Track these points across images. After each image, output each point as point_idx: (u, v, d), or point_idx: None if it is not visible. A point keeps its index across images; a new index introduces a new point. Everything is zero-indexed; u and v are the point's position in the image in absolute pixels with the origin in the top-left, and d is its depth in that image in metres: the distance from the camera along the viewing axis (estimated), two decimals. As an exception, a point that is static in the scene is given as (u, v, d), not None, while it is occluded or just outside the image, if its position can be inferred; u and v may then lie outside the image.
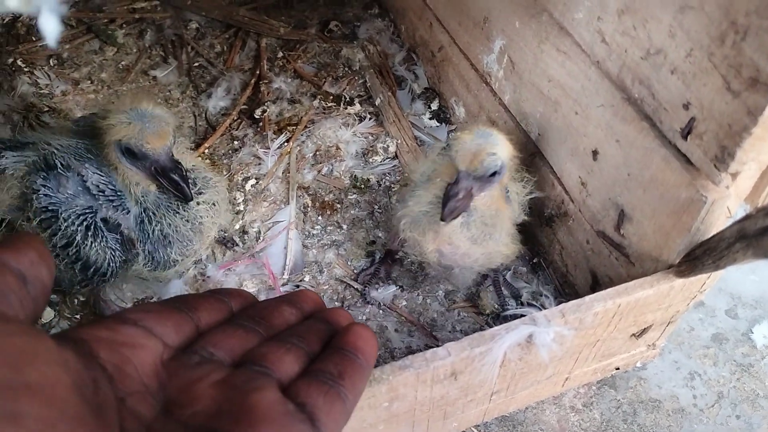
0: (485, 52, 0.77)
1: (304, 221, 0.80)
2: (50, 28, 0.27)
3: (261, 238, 0.78)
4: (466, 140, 0.57)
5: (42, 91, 0.94)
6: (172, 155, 0.61)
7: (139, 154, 0.59)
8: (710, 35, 0.47)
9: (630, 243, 0.61)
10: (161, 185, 0.62)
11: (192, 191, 0.62)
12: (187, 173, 0.63)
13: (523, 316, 0.53)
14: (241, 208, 0.80)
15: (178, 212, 0.64)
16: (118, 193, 0.63)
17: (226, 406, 0.31)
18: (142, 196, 0.63)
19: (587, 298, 0.54)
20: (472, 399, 0.58)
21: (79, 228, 0.61)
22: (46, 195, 0.61)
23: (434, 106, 0.92)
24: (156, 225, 0.63)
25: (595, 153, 0.62)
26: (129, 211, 0.63)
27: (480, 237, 0.62)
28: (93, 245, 0.61)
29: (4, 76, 0.94)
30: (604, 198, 0.63)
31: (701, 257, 0.51)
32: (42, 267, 0.29)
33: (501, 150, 0.57)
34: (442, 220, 0.58)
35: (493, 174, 0.58)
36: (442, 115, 0.91)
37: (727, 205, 0.51)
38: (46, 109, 0.90)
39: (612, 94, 0.58)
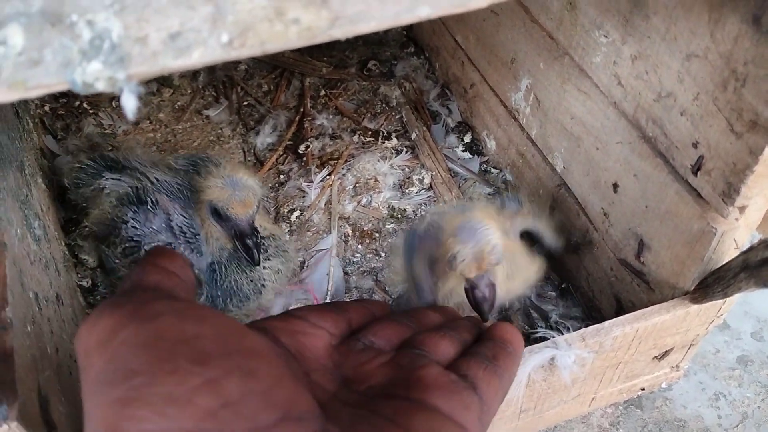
0: (513, 90, 0.82)
1: (345, 249, 0.86)
2: (130, 105, 0.33)
3: (305, 265, 0.84)
4: (462, 250, 0.57)
5: (106, 131, 1.02)
6: (253, 222, 0.68)
7: (224, 216, 0.67)
8: (714, 81, 0.51)
9: (650, 270, 0.65)
10: (236, 246, 0.69)
11: (261, 257, 0.69)
12: (262, 240, 0.70)
13: (548, 338, 0.58)
14: (287, 238, 0.86)
15: (245, 272, 0.72)
16: (197, 237, 0.71)
17: (398, 379, 0.34)
18: (219, 250, 0.71)
19: (606, 323, 0.58)
20: (501, 417, 0.63)
21: None
22: (133, 227, 0.70)
23: (467, 139, 0.97)
24: (224, 277, 0.71)
25: (615, 186, 0.66)
26: (202, 255, 0.70)
27: (511, 272, 0.65)
28: None
29: (71, 118, 1.03)
30: (625, 228, 0.67)
31: (712, 285, 0.55)
32: (188, 270, 0.35)
33: (494, 236, 0.58)
34: (486, 320, 0.59)
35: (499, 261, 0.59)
36: (475, 148, 0.96)
37: (734, 237, 0.55)
38: (110, 148, 0.99)
39: (629, 132, 0.62)
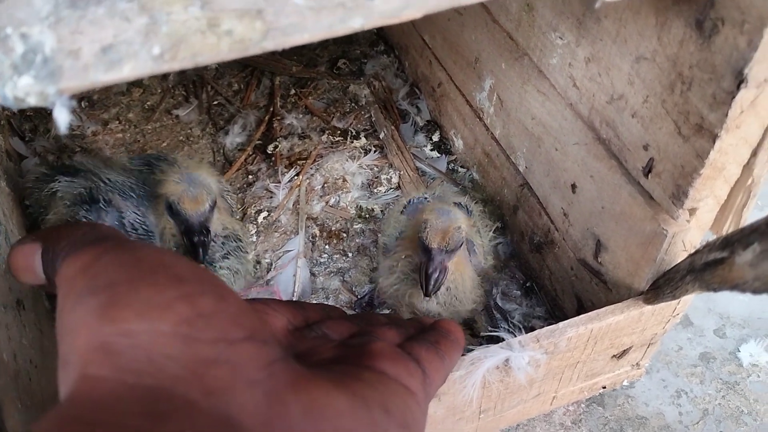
0: (477, 89, 0.82)
1: (312, 250, 0.86)
2: (62, 119, 0.33)
3: (273, 266, 0.84)
4: (433, 221, 0.65)
5: (74, 132, 1.02)
6: (205, 221, 0.67)
7: (176, 211, 0.67)
8: (662, 84, 0.52)
9: (607, 271, 0.65)
10: (183, 242, 0.69)
11: (214, 255, 0.70)
12: (215, 238, 0.70)
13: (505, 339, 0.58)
14: (254, 239, 0.86)
15: None
16: (150, 234, 0.71)
17: (348, 353, 0.36)
18: (175, 247, 0.70)
19: (561, 324, 0.58)
20: (461, 418, 0.63)
21: None
22: None
23: (435, 138, 0.97)
24: None
25: (573, 186, 0.67)
26: None
27: (448, 302, 0.70)
28: None
29: (40, 119, 1.02)
30: (583, 228, 0.67)
31: (662, 287, 0.55)
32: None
33: (462, 223, 0.66)
34: (427, 296, 0.65)
35: (460, 245, 0.66)
36: (443, 147, 0.96)
37: (682, 240, 0.55)
38: (78, 149, 0.98)
39: (585, 134, 0.63)
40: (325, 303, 0.79)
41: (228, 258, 0.73)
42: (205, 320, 0.28)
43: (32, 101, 0.33)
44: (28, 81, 0.32)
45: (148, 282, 0.28)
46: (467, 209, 0.74)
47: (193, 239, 0.67)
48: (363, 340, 0.38)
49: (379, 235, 0.81)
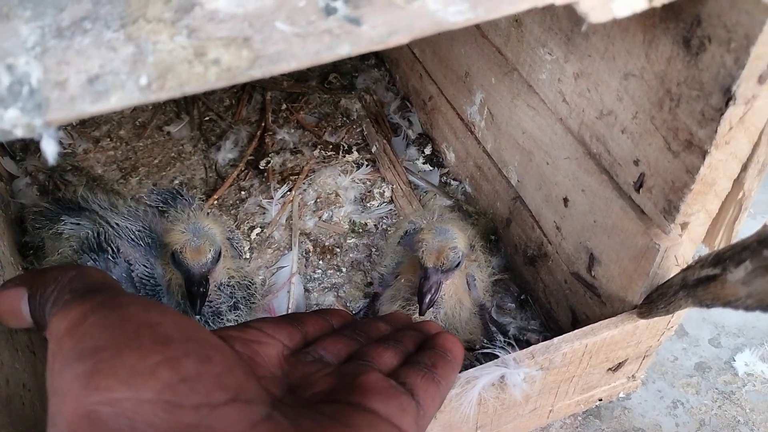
0: (468, 103, 0.82)
1: (306, 266, 0.86)
2: (50, 150, 0.33)
3: (266, 283, 0.84)
4: (429, 240, 0.66)
5: (66, 151, 1.01)
6: (207, 272, 0.67)
7: (178, 261, 0.66)
8: (651, 101, 0.52)
9: (600, 284, 0.65)
10: (184, 292, 0.69)
11: (220, 306, 0.71)
12: (222, 288, 0.71)
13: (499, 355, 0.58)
14: (247, 256, 0.86)
15: (208, 323, 0.71)
16: (157, 288, 0.70)
17: (341, 385, 0.37)
18: (183, 297, 0.70)
19: (556, 339, 0.58)
20: (457, 434, 0.63)
21: None
22: None
23: (427, 151, 0.97)
24: None
25: (565, 200, 0.67)
26: None
27: (446, 328, 0.71)
28: None
29: (30, 139, 1.01)
30: (576, 242, 0.67)
31: (656, 301, 0.55)
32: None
33: (460, 243, 0.67)
34: (421, 314, 0.66)
35: (457, 265, 0.67)
36: (435, 160, 0.96)
37: (674, 254, 0.55)
38: (69, 167, 0.98)
39: (575, 148, 0.63)
40: (323, 308, 0.79)
41: (237, 308, 0.72)
42: (188, 385, 0.29)
43: (19, 133, 0.33)
44: (14, 113, 0.32)
45: (132, 347, 0.29)
46: (471, 245, 0.74)
47: (192, 290, 0.66)
48: (357, 369, 0.37)
49: (377, 258, 0.81)
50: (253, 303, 0.75)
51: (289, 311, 0.81)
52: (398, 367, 0.40)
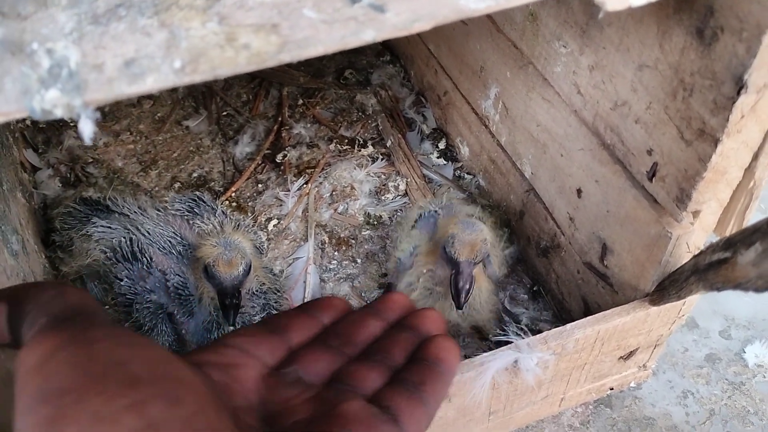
0: (483, 97, 0.84)
1: (321, 257, 0.88)
2: (87, 130, 0.34)
3: (283, 274, 0.85)
4: (459, 234, 0.67)
5: (86, 144, 1.03)
6: (239, 284, 0.68)
7: (211, 274, 0.68)
8: (665, 91, 0.53)
9: (613, 273, 0.66)
10: (217, 304, 0.70)
11: (250, 311, 0.72)
12: (263, 295, 0.73)
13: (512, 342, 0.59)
14: (265, 247, 0.88)
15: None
16: (190, 298, 0.72)
17: (321, 414, 0.35)
18: (215, 309, 0.71)
19: (568, 325, 0.60)
20: (471, 419, 0.64)
21: (147, 318, 0.71)
22: (127, 285, 0.71)
23: (441, 145, 0.99)
24: (219, 335, 0.72)
25: (579, 191, 0.68)
26: (192, 316, 0.72)
27: (467, 312, 0.73)
28: (155, 332, 0.72)
29: (52, 131, 1.04)
30: (589, 232, 0.68)
31: (667, 288, 0.56)
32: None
33: (488, 235, 0.69)
34: (460, 308, 0.68)
35: (486, 256, 0.69)
36: (449, 154, 0.98)
37: (686, 241, 0.56)
38: (90, 160, 1.00)
39: (589, 140, 0.64)
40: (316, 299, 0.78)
41: (265, 312, 0.74)
42: (155, 431, 0.27)
43: (59, 113, 0.34)
44: (55, 94, 0.34)
45: (97, 390, 0.28)
46: (481, 221, 0.75)
47: (225, 302, 0.68)
48: (338, 396, 0.37)
49: (391, 249, 0.82)
50: (281, 305, 0.77)
51: (305, 301, 0.82)
52: (383, 387, 0.38)
